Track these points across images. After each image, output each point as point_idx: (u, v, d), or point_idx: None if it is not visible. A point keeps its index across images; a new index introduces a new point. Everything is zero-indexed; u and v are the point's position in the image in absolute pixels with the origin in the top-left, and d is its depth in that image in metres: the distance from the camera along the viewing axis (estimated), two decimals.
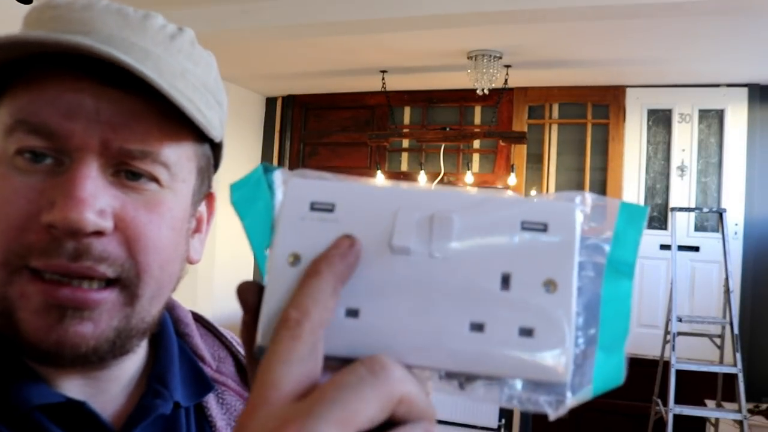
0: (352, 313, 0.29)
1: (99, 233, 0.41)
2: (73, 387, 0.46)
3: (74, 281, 0.41)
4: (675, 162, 4.09)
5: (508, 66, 3.83)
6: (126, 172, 0.44)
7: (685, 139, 4.08)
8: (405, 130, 4.55)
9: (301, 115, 5.06)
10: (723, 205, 3.93)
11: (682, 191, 4.07)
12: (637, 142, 4.17)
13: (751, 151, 3.95)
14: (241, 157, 4.97)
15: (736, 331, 3.33)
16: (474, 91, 3.79)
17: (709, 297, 3.96)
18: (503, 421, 4.29)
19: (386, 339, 0.29)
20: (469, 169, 4.42)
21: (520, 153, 4.41)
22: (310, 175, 0.32)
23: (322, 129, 4.93)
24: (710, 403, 3.65)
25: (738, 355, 3.27)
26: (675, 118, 4.10)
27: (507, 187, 4.40)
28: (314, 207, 0.31)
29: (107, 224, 0.41)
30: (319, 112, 4.96)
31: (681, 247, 3.90)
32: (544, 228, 0.30)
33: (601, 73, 3.98)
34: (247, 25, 3.11)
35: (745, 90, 3.96)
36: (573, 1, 2.59)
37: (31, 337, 0.41)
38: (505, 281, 0.29)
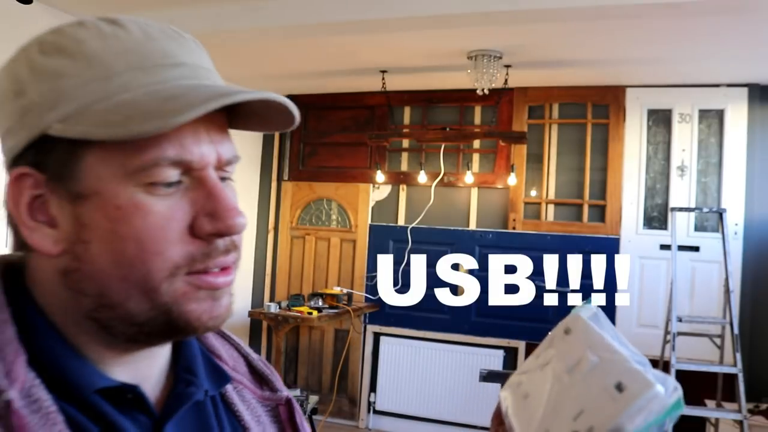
0: None
1: None
2: (122, 373, 0.52)
3: (227, 269, 0.51)
4: (675, 162, 4.09)
5: (508, 66, 3.83)
6: (222, 174, 0.52)
7: (685, 139, 4.08)
8: (405, 130, 4.55)
9: (301, 115, 5.04)
10: (723, 205, 3.93)
11: (682, 191, 4.07)
12: (637, 142, 4.17)
13: (751, 151, 3.95)
14: (241, 157, 4.96)
15: (736, 331, 3.33)
16: (474, 91, 3.79)
17: (709, 297, 3.95)
18: None
19: None
20: (469, 169, 4.42)
21: (520, 153, 4.41)
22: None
23: (322, 129, 4.93)
24: (710, 403, 3.65)
25: (738, 355, 3.27)
26: (675, 118, 4.10)
27: (507, 187, 4.41)
28: None
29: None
30: (319, 112, 4.96)
31: (681, 247, 3.90)
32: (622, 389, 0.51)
33: (601, 73, 3.98)
34: (247, 25, 3.11)
35: (745, 90, 3.96)
36: (573, 1, 2.59)
37: (196, 323, 0.50)
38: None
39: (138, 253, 0.47)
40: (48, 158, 0.48)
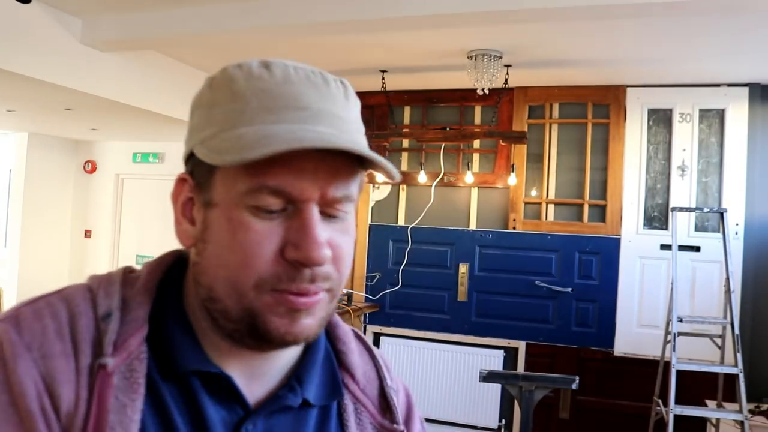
0: None
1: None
2: (234, 365, 0.60)
3: (310, 293, 0.56)
4: (675, 162, 4.09)
5: (508, 66, 3.83)
6: (331, 210, 0.57)
7: (685, 138, 4.08)
8: (405, 130, 4.54)
9: None
10: (724, 205, 3.92)
11: (682, 191, 4.07)
12: (637, 142, 4.17)
13: (751, 150, 3.95)
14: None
15: (736, 331, 3.32)
16: (474, 90, 3.79)
17: (709, 297, 3.95)
18: (503, 421, 4.29)
19: None
20: (469, 169, 4.41)
21: (520, 153, 4.40)
22: None
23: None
24: (711, 403, 3.65)
25: (739, 356, 3.26)
26: (675, 117, 4.09)
27: (507, 187, 4.40)
28: None
29: (330, 254, 0.56)
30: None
31: (681, 247, 3.89)
32: None
33: (601, 72, 3.98)
34: (247, 25, 3.10)
35: (746, 89, 3.96)
36: (573, 1, 2.59)
37: (278, 334, 0.56)
38: None
39: (235, 261, 0.55)
40: (196, 169, 0.59)
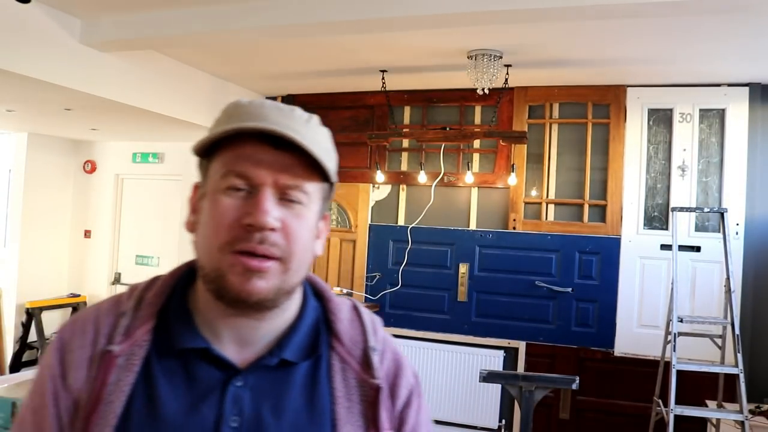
0: None
1: (272, 230, 0.72)
2: (227, 338, 0.77)
3: (258, 257, 0.71)
4: (676, 162, 4.09)
5: (508, 66, 3.83)
6: (286, 197, 0.74)
7: (686, 138, 4.07)
8: (405, 130, 4.54)
9: None
10: (724, 205, 3.92)
11: (682, 191, 4.07)
12: (637, 142, 4.17)
13: (752, 150, 3.95)
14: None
15: (737, 331, 3.32)
16: (474, 90, 3.78)
17: (710, 297, 3.95)
18: (503, 421, 4.28)
19: None
20: (469, 169, 4.41)
21: (520, 153, 4.40)
22: None
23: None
24: (711, 403, 3.65)
25: (739, 356, 3.26)
26: (676, 117, 4.09)
27: (507, 187, 4.40)
28: None
29: (277, 224, 0.72)
30: (318, 112, 4.84)
31: (682, 247, 3.89)
32: None
33: (602, 72, 3.98)
34: (247, 25, 3.10)
35: (746, 89, 3.96)
36: (573, 1, 2.58)
37: (235, 290, 0.72)
38: None
39: (209, 230, 0.73)
40: (200, 172, 0.79)
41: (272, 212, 0.71)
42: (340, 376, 0.79)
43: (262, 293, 0.72)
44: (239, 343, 0.77)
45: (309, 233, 0.77)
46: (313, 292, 0.87)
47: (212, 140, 0.73)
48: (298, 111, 0.78)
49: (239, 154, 0.73)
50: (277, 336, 0.79)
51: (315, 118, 0.80)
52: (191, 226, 0.78)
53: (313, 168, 0.75)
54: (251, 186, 0.72)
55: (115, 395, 0.72)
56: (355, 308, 0.89)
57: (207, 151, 0.77)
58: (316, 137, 0.77)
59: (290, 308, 0.81)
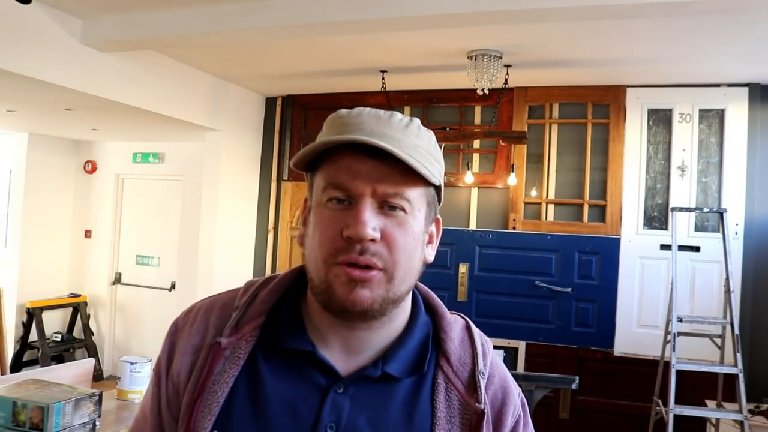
0: None
1: (372, 240, 0.71)
2: (334, 345, 0.78)
3: (361, 267, 0.71)
4: (675, 162, 4.09)
5: (508, 66, 3.83)
6: (386, 206, 0.73)
7: (685, 138, 4.08)
8: None
9: (301, 114, 5.06)
10: (723, 205, 3.93)
11: (682, 191, 4.07)
12: (637, 142, 4.17)
13: (751, 150, 3.95)
14: (240, 157, 4.97)
15: (736, 331, 3.32)
16: (474, 91, 3.79)
17: (709, 297, 3.95)
18: None
19: None
20: (469, 169, 4.42)
21: (520, 153, 4.41)
22: None
23: (321, 129, 4.92)
24: (711, 403, 3.65)
25: (738, 356, 3.26)
26: (675, 117, 4.10)
27: (507, 187, 4.41)
28: None
29: (377, 235, 0.71)
30: (318, 112, 4.96)
31: (681, 247, 3.90)
32: None
33: (601, 72, 3.98)
34: (247, 25, 3.10)
35: (746, 89, 3.96)
36: (573, 1, 2.59)
37: (340, 300, 0.72)
38: None
39: (315, 243, 0.74)
40: (308, 184, 0.80)
41: (370, 223, 0.71)
42: (443, 396, 0.78)
43: (367, 302, 0.72)
44: (346, 351, 0.78)
45: (414, 241, 0.75)
46: (426, 306, 0.86)
47: (307, 154, 0.74)
48: (397, 117, 0.77)
49: (338, 166, 0.73)
50: (384, 347, 0.79)
51: (415, 122, 0.78)
52: (301, 240, 0.80)
53: (414, 174, 0.73)
54: (351, 197, 0.72)
55: (219, 386, 0.75)
56: (468, 328, 0.87)
57: (311, 165, 0.77)
58: (416, 142, 0.75)
59: (398, 318, 0.80)
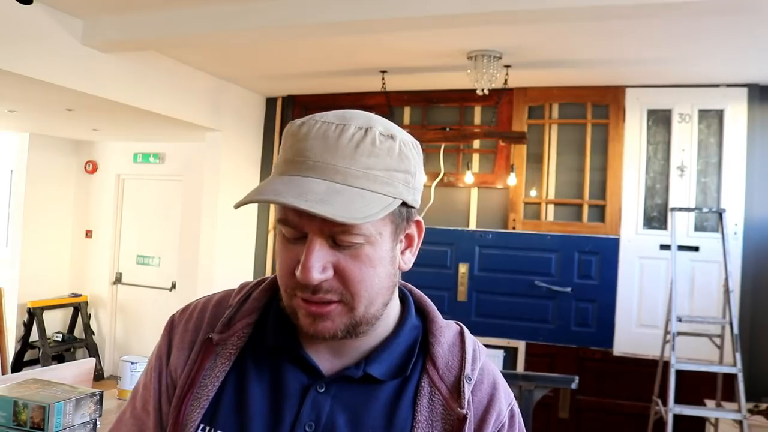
0: None
1: (325, 279, 0.69)
2: (320, 347, 0.78)
3: (318, 303, 0.71)
4: (675, 162, 4.10)
5: (508, 66, 3.84)
6: (338, 241, 0.69)
7: (684, 139, 4.09)
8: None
9: (301, 115, 5.03)
10: (723, 205, 3.93)
11: (681, 191, 4.08)
12: (636, 142, 4.18)
13: (751, 150, 3.96)
14: (241, 157, 4.97)
15: (735, 331, 3.33)
16: (474, 91, 3.79)
17: (708, 297, 3.96)
18: None
19: None
20: (469, 169, 4.42)
21: (520, 153, 4.41)
22: None
23: None
24: (710, 402, 3.66)
25: (738, 355, 3.27)
26: (675, 118, 4.10)
27: (507, 187, 4.41)
28: None
29: (325, 276, 0.69)
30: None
31: (681, 247, 3.90)
32: None
33: (601, 73, 3.98)
34: (248, 25, 3.11)
35: (745, 90, 3.97)
36: (573, 1, 2.59)
37: (304, 328, 0.73)
38: None
39: (279, 272, 0.75)
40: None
41: (316, 266, 0.68)
42: (426, 399, 0.77)
43: (329, 332, 0.72)
44: (331, 352, 0.79)
45: (374, 267, 0.71)
46: (418, 311, 0.86)
47: (242, 204, 0.70)
48: (347, 133, 0.69)
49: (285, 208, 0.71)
50: (369, 350, 0.79)
51: (370, 135, 0.70)
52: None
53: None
54: (301, 233, 0.70)
55: (210, 380, 0.77)
56: (461, 334, 0.86)
57: None
58: (369, 162, 0.69)
59: (383, 325, 0.79)
